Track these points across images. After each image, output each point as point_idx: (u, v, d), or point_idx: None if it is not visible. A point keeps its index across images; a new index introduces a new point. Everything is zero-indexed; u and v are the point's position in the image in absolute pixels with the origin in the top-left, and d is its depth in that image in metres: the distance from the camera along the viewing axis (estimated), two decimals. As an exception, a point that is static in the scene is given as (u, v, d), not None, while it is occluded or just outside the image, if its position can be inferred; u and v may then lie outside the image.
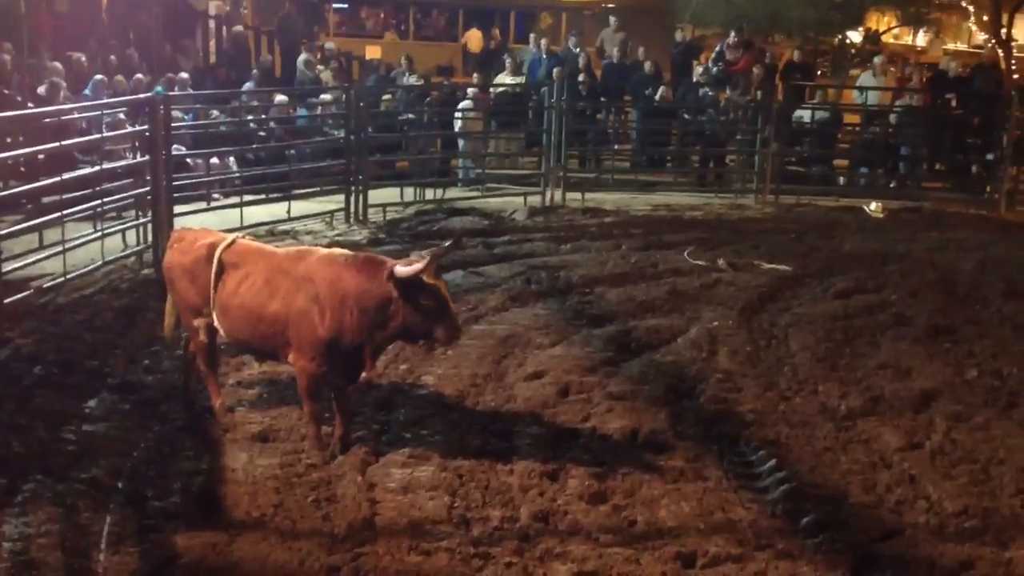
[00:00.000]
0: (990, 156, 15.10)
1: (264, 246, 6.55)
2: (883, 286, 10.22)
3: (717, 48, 17.92)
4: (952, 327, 8.94)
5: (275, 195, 12.16)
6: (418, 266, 5.67)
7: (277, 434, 6.37)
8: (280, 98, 13.92)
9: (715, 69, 16.92)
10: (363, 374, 6.13)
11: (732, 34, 17.89)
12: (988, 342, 8.59)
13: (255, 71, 15.86)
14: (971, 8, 25.70)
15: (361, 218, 12.49)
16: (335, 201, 12.57)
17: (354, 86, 13.71)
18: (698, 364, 7.89)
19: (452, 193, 13.96)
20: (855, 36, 23.40)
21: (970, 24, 28.32)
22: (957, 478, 6.09)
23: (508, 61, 17.41)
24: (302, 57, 16.92)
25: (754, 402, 7.16)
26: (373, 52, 23.32)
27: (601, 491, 5.71)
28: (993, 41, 24.35)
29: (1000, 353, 8.31)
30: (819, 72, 21.55)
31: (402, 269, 5.69)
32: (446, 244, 6.43)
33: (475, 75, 17.31)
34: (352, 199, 12.50)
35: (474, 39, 25.57)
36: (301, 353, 5.95)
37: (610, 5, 26.99)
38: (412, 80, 16.48)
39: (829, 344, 8.43)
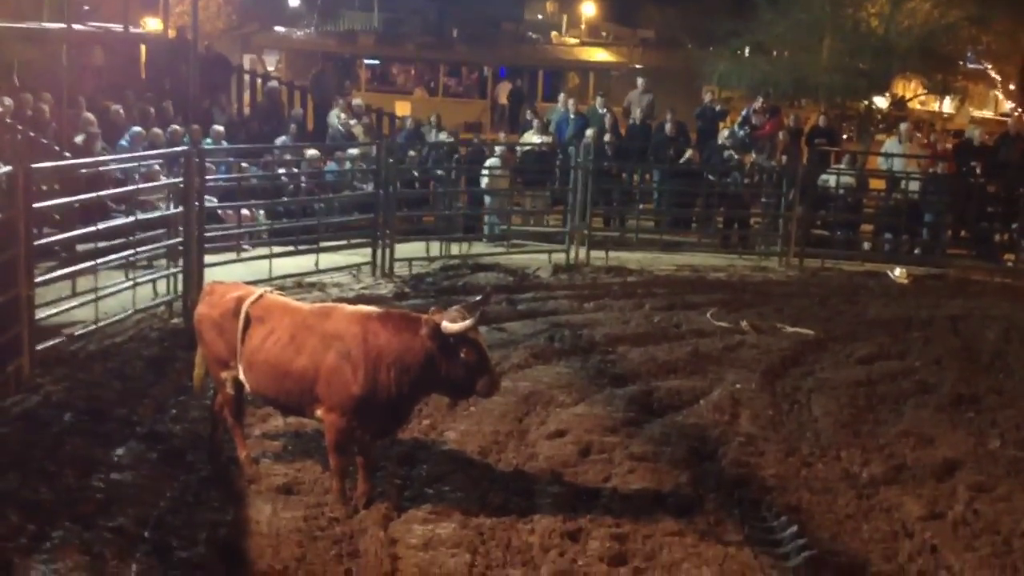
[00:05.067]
0: (1014, 225, 15.12)
1: (290, 301, 6.62)
2: (906, 353, 10.20)
3: (743, 112, 18.06)
4: (975, 396, 8.92)
5: (303, 247, 12.31)
6: (468, 322, 5.76)
7: (301, 487, 6.44)
8: (311, 152, 14.11)
9: (741, 133, 17.04)
10: (399, 428, 6.20)
11: (759, 99, 18.05)
12: (1011, 412, 8.55)
13: (292, 126, 16.07)
14: (998, 77, 25.90)
15: (387, 272, 12.59)
16: (362, 254, 12.69)
17: (384, 141, 13.90)
18: (720, 427, 7.92)
19: (477, 249, 14.06)
20: (881, 102, 23.52)
21: (997, 92, 28.49)
22: (979, 549, 6.08)
23: (535, 120, 17.61)
24: (334, 111, 17.22)
25: (776, 467, 7.17)
26: (403, 108, 23.69)
27: (621, 553, 5.74)
28: (1020, 110, 24.50)
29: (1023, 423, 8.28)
30: (845, 137, 21.62)
31: (452, 325, 5.77)
32: (477, 299, 6.44)
33: (502, 134, 17.51)
34: (379, 253, 12.64)
35: (503, 92, 26.28)
36: (332, 409, 6.02)
37: (638, 66, 27.40)
38: (442, 137, 16.71)
39: (852, 410, 8.43)
